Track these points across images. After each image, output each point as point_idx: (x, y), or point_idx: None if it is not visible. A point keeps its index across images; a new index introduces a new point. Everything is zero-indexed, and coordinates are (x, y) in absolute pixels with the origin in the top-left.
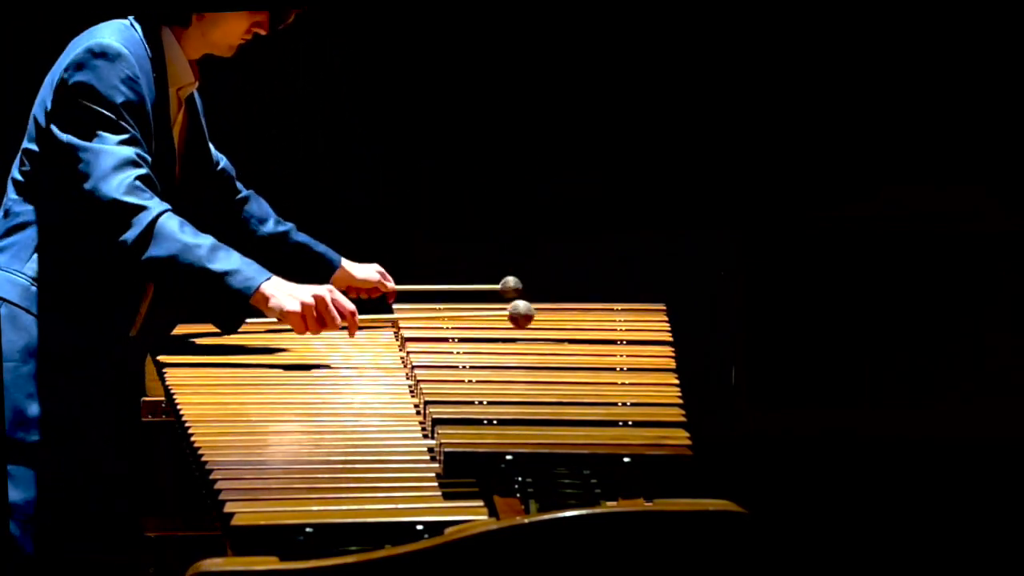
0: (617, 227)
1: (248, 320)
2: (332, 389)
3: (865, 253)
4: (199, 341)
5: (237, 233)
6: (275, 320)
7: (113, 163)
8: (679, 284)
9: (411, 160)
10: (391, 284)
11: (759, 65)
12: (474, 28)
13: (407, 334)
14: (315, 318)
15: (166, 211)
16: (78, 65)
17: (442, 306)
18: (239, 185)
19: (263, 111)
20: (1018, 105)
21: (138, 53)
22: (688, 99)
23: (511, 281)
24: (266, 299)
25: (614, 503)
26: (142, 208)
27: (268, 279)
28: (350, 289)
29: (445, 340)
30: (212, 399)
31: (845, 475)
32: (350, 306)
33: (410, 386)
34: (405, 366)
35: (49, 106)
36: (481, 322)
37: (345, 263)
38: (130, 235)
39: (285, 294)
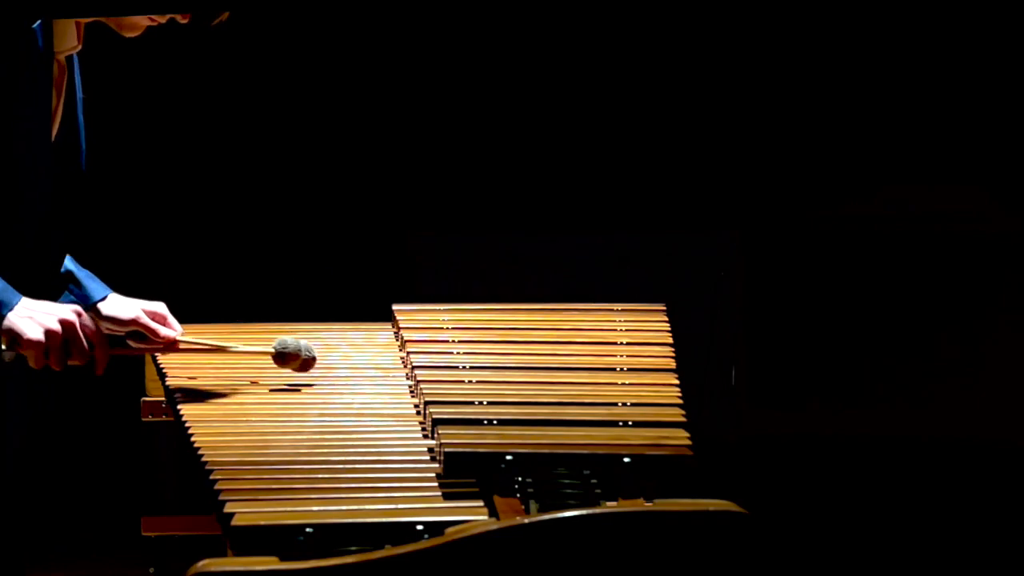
0: (617, 227)
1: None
2: (332, 389)
3: (864, 253)
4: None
5: None
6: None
7: None
8: (679, 284)
9: (409, 159)
10: (169, 332)
11: (758, 65)
12: (473, 25)
13: (407, 334)
14: (59, 349)
15: None
16: None
17: (442, 306)
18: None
19: (256, 112)
20: (1018, 105)
21: None
22: (688, 99)
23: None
24: (10, 329)
25: (614, 503)
26: None
27: (18, 302)
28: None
29: (445, 340)
30: (212, 399)
31: (844, 475)
32: (100, 335)
33: (410, 386)
34: (405, 366)
35: None
36: (481, 322)
37: (112, 300)
38: None
39: (25, 317)
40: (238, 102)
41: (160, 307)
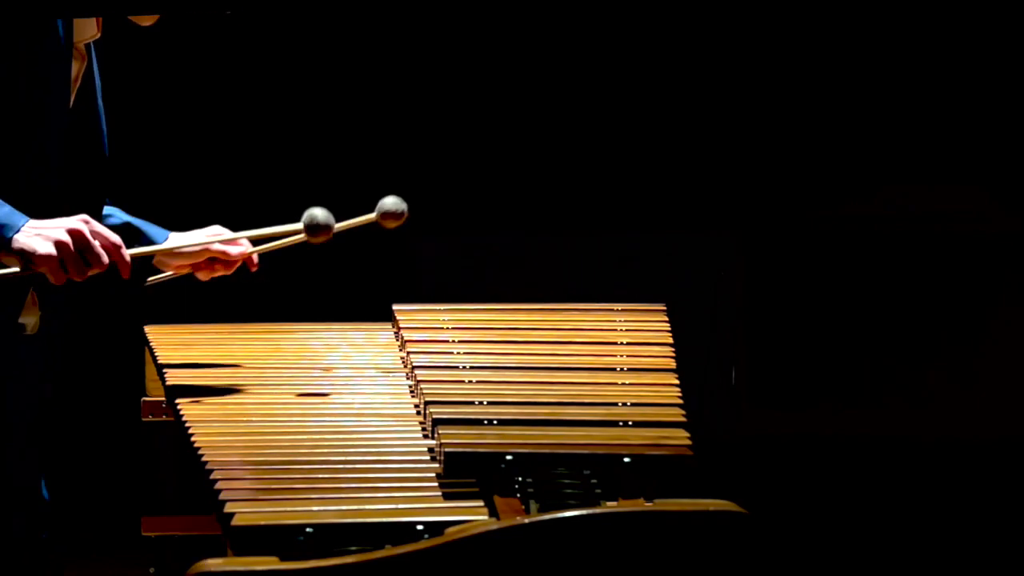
0: (617, 227)
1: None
2: (332, 389)
3: (864, 253)
4: (199, 340)
5: None
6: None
7: None
8: (679, 284)
9: (409, 160)
10: (240, 249)
11: (759, 66)
12: (474, 26)
13: (407, 334)
14: (74, 259)
15: None
16: None
17: (442, 306)
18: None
19: (256, 112)
20: (1017, 105)
21: None
22: (688, 100)
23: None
24: (21, 248)
25: (614, 503)
26: None
27: (25, 223)
28: (197, 270)
29: (445, 340)
30: (212, 399)
31: (844, 475)
32: (114, 238)
33: (410, 386)
34: (405, 366)
35: None
36: (481, 322)
37: (173, 238)
38: None
39: (33, 235)
40: (239, 102)
41: (218, 229)
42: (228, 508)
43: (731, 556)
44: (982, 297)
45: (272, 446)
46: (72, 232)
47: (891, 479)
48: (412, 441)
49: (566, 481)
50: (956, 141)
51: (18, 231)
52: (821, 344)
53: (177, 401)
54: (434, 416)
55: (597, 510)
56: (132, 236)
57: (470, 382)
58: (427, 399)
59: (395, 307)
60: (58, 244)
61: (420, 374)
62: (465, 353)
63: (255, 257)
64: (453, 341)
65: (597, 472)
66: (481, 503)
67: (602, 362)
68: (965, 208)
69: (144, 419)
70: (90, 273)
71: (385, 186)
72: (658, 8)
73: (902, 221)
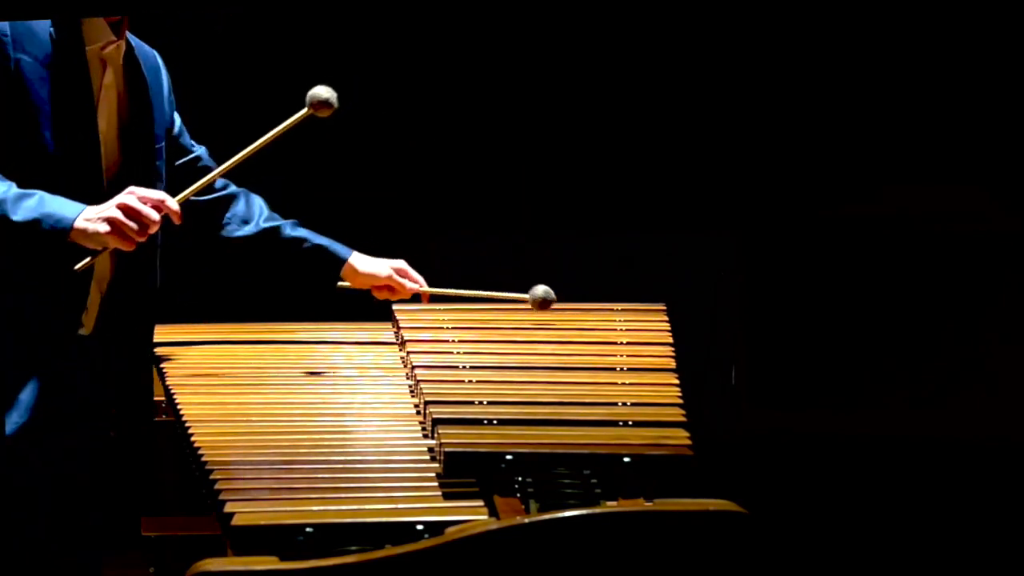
0: (617, 227)
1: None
2: (332, 389)
3: (865, 253)
4: (200, 340)
5: (215, 234)
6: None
7: None
8: (679, 284)
9: (410, 160)
10: (414, 285)
11: (759, 65)
12: (476, 27)
13: (407, 334)
14: (130, 227)
15: None
16: None
17: (442, 306)
18: (220, 182)
19: (255, 110)
20: (1018, 105)
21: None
22: (688, 99)
23: (540, 291)
24: (83, 232)
25: (614, 503)
26: None
27: (79, 213)
28: (374, 289)
29: (445, 340)
30: (212, 399)
31: (844, 475)
32: (157, 194)
33: (410, 386)
34: (405, 366)
35: None
36: (481, 322)
37: (355, 258)
38: None
39: (94, 220)
40: (239, 98)
41: (402, 264)
42: (228, 508)
43: (731, 556)
44: (982, 297)
45: (272, 446)
46: (120, 206)
47: (891, 479)
48: (412, 441)
49: (566, 481)
50: (956, 141)
51: (75, 219)
52: (821, 344)
53: (177, 401)
54: (434, 416)
55: (597, 510)
56: (318, 255)
57: (470, 382)
58: (427, 399)
59: (395, 307)
60: (110, 220)
61: (420, 374)
62: (465, 353)
63: (428, 294)
64: (453, 341)
65: (597, 472)
66: (481, 503)
67: (602, 362)
68: (965, 208)
69: None
70: (150, 232)
71: (382, 183)
72: (658, 8)
73: (902, 221)
